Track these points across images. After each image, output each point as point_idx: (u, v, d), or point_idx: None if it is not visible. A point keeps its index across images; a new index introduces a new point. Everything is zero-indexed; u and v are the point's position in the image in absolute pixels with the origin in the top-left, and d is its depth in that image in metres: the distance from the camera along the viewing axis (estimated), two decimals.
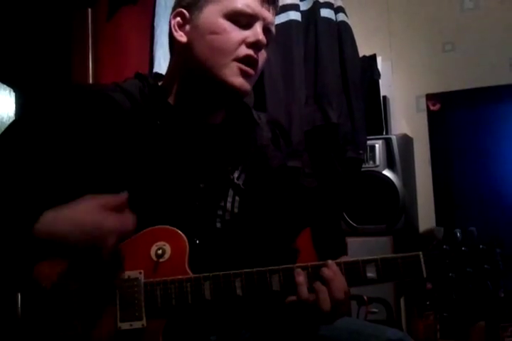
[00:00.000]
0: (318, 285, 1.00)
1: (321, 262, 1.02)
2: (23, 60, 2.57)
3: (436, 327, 2.32)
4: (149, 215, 1.06)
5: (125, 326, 1.01)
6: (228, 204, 1.18)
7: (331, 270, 1.01)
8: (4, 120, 2.42)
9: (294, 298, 1.01)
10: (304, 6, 2.47)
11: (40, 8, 2.51)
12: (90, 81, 2.40)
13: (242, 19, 1.13)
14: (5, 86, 2.50)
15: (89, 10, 2.48)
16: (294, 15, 2.42)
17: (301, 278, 1.00)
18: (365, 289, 2.14)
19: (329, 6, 2.45)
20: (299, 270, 1.01)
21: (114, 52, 2.50)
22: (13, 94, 2.52)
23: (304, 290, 1.00)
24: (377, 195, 2.41)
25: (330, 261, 1.02)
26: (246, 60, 1.12)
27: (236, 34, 1.12)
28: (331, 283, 0.99)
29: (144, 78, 1.19)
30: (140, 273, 1.03)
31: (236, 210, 1.18)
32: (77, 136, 1.09)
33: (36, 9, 2.52)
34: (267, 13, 1.15)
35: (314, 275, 1.01)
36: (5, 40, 2.53)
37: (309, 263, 1.03)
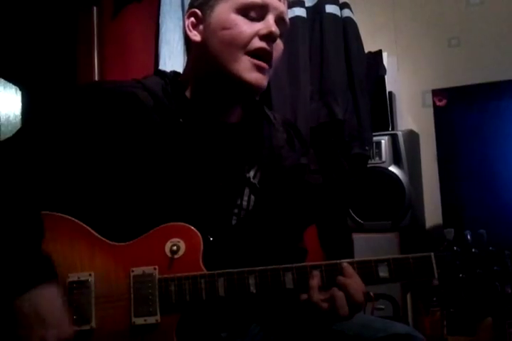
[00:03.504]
0: (334, 291, 1.00)
1: (334, 262, 1.03)
2: (28, 58, 2.57)
3: (443, 323, 2.32)
4: (166, 212, 1.07)
5: (139, 321, 1.02)
6: (244, 203, 1.18)
7: (347, 273, 1.01)
8: (11, 118, 2.42)
9: (306, 296, 1.02)
10: (309, 2, 2.47)
11: (45, 7, 2.51)
12: (96, 79, 2.40)
13: (253, 12, 1.13)
14: (11, 84, 2.51)
15: (95, 8, 2.48)
16: (299, 12, 2.42)
17: (314, 281, 1.01)
18: (372, 285, 2.15)
19: (334, 2, 2.45)
20: (316, 272, 1.01)
21: (120, 50, 2.50)
22: (19, 93, 2.53)
23: (315, 294, 1.00)
24: (384, 191, 2.41)
25: (345, 264, 1.02)
26: (259, 53, 1.12)
27: (248, 27, 1.12)
28: (348, 287, 1.00)
29: (165, 75, 1.20)
30: (155, 268, 1.03)
31: (251, 208, 1.18)
32: (101, 133, 1.09)
33: (41, 8, 2.52)
34: (278, 3, 1.15)
35: (329, 277, 1.02)
36: (10, 39, 2.53)
37: (323, 263, 1.03)
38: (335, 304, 0.99)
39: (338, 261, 1.03)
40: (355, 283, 1.00)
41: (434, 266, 1.01)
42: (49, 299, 0.98)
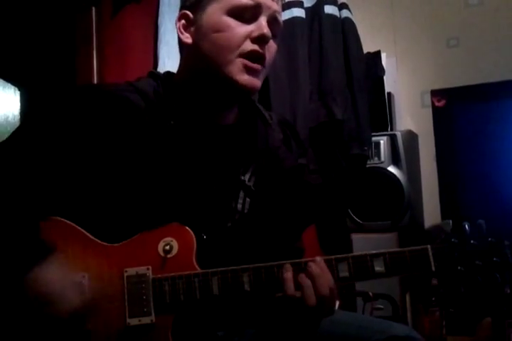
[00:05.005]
0: (303, 280, 1.00)
1: (309, 259, 1.02)
2: (27, 59, 2.57)
3: (442, 323, 2.31)
4: (158, 213, 1.07)
5: (134, 322, 1.01)
6: (239, 206, 1.17)
7: (318, 266, 1.00)
8: (9, 119, 2.42)
9: (281, 293, 1.01)
10: (307, 3, 2.47)
11: (44, 7, 2.51)
12: (95, 79, 2.40)
13: (245, 13, 1.11)
14: (10, 85, 2.51)
15: (94, 9, 2.47)
16: (298, 12, 2.43)
17: (288, 273, 1.00)
18: (371, 285, 2.15)
19: (333, 2, 2.45)
20: (288, 266, 1.01)
21: (119, 51, 2.50)
22: (17, 93, 2.53)
23: (290, 286, 1.00)
24: (382, 191, 2.41)
25: (318, 258, 1.01)
26: (252, 55, 1.11)
27: (240, 29, 1.11)
28: (317, 278, 0.99)
29: (158, 77, 1.19)
30: (148, 268, 1.03)
31: (246, 211, 1.18)
32: (92, 136, 1.09)
33: (40, 8, 2.52)
34: (271, 2, 1.13)
35: (302, 271, 1.01)
36: (9, 39, 2.53)
37: (298, 260, 1.02)
38: (303, 292, 0.98)
39: (313, 258, 1.02)
40: (324, 276, 1.00)
41: (431, 258, 0.99)
42: (47, 279, 1.00)
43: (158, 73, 1.22)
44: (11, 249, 1.01)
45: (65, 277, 1.01)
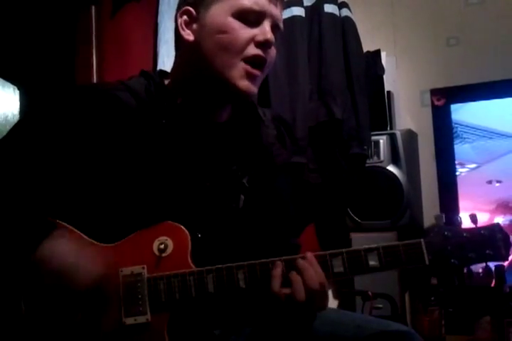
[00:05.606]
0: (293, 275, 1.00)
1: (300, 255, 1.03)
2: (27, 57, 2.57)
3: (442, 322, 2.32)
4: (152, 212, 1.07)
5: (130, 321, 1.02)
6: (233, 203, 1.18)
7: (307, 261, 1.01)
8: (9, 118, 2.43)
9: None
10: (307, 2, 2.47)
11: (44, 6, 2.51)
12: (94, 78, 2.40)
13: (250, 17, 1.12)
14: (9, 84, 2.51)
15: (93, 7, 2.47)
16: (298, 11, 2.42)
17: (277, 270, 1.01)
18: (370, 284, 2.15)
19: (333, 1, 2.45)
20: (279, 262, 1.02)
21: (118, 50, 2.50)
22: (17, 92, 2.53)
23: (276, 283, 1.00)
24: (382, 190, 2.41)
25: (309, 253, 1.02)
26: (254, 60, 1.12)
27: (245, 32, 1.11)
28: (305, 272, 1.00)
29: (150, 76, 1.19)
30: (143, 268, 1.03)
31: (240, 208, 1.18)
32: (84, 136, 1.09)
33: (40, 7, 2.52)
34: (275, 10, 1.14)
35: (291, 267, 1.01)
36: (9, 38, 2.53)
37: (290, 256, 1.03)
38: (292, 288, 0.99)
39: (303, 254, 1.03)
40: (313, 270, 1.00)
41: (425, 252, 1.00)
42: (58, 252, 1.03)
43: (150, 72, 1.22)
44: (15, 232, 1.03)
45: (77, 248, 1.04)
